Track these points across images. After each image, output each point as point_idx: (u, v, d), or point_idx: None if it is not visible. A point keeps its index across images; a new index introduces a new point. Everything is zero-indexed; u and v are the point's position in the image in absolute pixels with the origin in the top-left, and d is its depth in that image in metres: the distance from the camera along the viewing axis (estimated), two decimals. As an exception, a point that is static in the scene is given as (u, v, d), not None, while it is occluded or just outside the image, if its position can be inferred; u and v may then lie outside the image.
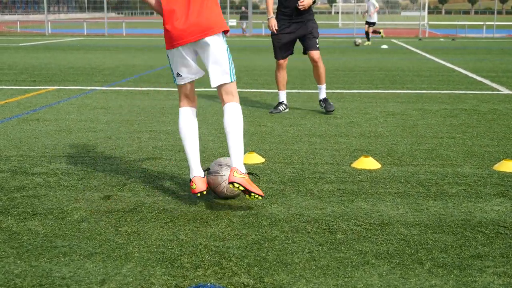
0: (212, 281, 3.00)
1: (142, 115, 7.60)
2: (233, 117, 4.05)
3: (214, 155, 5.56)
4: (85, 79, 11.67)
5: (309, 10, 7.61)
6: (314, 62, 7.73)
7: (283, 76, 7.93)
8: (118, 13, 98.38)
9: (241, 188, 3.91)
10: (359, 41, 25.33)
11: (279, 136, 6.46)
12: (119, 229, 3.68)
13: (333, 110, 7.85)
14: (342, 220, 3.90)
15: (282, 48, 7.75)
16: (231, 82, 4.11)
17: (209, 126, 6.96)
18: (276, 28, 7.59)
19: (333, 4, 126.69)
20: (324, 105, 7.89)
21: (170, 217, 3.90)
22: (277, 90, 8.16)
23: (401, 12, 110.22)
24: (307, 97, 9.50)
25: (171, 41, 4.02)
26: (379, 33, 28.15)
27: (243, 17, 36.65)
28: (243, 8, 36.98)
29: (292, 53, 7.85)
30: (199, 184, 4.02)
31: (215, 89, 8.50)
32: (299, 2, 7.39)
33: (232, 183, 3.91)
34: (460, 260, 3.28)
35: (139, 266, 3.15)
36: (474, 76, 12.60)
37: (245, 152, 5.56)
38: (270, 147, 5.95)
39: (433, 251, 3.40)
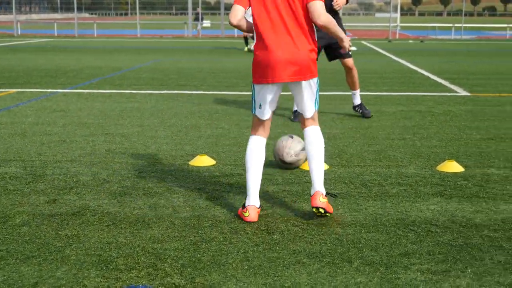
0: (144, 282, 3.08)
1: (100, 118, 7.65)
2: (316, 140, 4.12)
3: (166, 157, 5.64)
4: (48, 82, 11.66)
5: (336, 15, 7.31)
6: (348, 69, 7.69)
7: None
8: (92, 14, 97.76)
9: (322, 212, 3.96)
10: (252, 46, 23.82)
11: (234, 139, 6.55)
12: (59, 232, 3.74)
13: (371, 116, 7.86)
14: (281, 221, 4.00)
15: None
16: (315, 110, 4.16)
17: (166, 129, 7.03)
18: None
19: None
20: (360, 110, 7.93)
21: (112, 220, 3.98)
22: (239, 92, 8.24)
23: (375, 14, 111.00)
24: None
25: (266, 75, 3.94)
26: None
27: (197, 18, 36.54)
28: (198, 9, 36.76)
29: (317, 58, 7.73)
30: (252, 214, 3.97)
31: (174, 92, 8.53)
32: (333, 2, 7.16)
33: (317, 208, 3.95)
34: (388, 258, 3.40)
35: (74, 269, 3.22)
36: (436, 78, 12.81)
37: (196, 155, 5.65)
38: (223, 149, 6.04)
39: (364, 250, 3.52)
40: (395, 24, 38.94)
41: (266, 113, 4.08)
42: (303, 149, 4.50)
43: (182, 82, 11.76)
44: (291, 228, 3.86)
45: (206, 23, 43.67)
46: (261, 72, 3.94)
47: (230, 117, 7.89)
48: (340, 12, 7.57)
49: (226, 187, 4.76)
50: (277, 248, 3.55)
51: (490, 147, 6.20)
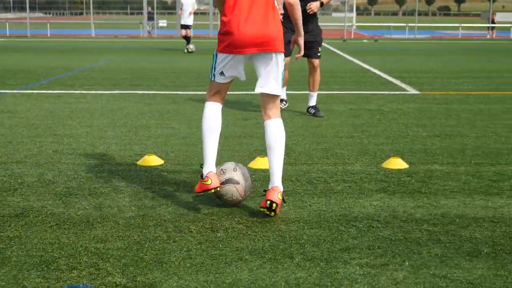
0: (85, 281, 3.08)
1: (49, 119, 7.57)
2: (278, 133, 4.07)
3: (114, 158, 5.62)
4: (-2, 83, 11.48)
5: (314, 16, 7.69)
6: (313, 68, 7.95)
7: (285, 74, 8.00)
8: (46, 13, 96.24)
9: (274, 208, 3.94)
10: (191, 47, 21.02)
11: (184, 138, 6.56)
12: (1, 234, 3.71)
13: (323, 117, 7.92)
14: (226, 219, 4.04)
15: (286, 49, 7.80)
16: (278, 95, 4.12)
17: (116, 129, 7.00)
18: None
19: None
20: (313, 111, 8.03)
21: (56, 221, 3.95)
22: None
23: (332, 13, 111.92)
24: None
25: (231, 47, 3.97)
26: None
27: (150, 18, 36.29)
28: (149, 9, 36.46)
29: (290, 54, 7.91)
30: (214, 180, 3.99)
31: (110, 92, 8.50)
32: (307, 6, 7.40)
33: (271, 202, 3.92)
34: (329, 253, 3.46)
35: (14, 270, 3.20)
36: (387, 77, 13.01)
37: (145, 155, 5.64)
38: (172, 149, 6.05)
39: (306, 246, 3.58)
40: (350, 24, 39.36)
41: (228, 78, 4.11)
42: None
43: (135, 82, 11.70)
44: (236, 226, 3.90)
45: (162, 22, 43.45)
46: (227, 43, 3.97)
47: (181, 116, 7.90)
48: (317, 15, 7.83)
49: (173, 186, 4.78)
50: (220, 245, 3.58)
51: (435, 144, 6.34)
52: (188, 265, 3.30)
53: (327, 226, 3.91)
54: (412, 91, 10.62)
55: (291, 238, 3.71)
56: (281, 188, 4.03)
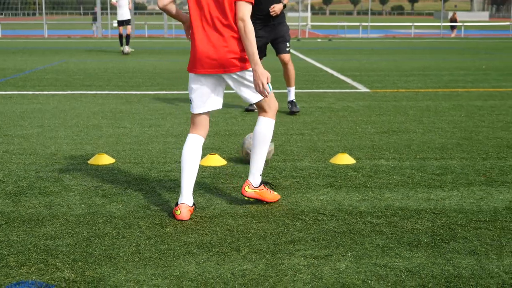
0: (34, 277, 3.12)
1: (0, 120, 7.51)
2: (261, 131, 4.17)
3: (65, 157, 5.63)
4: None
5: (281, 13, 7.85)
6: (284, 64, 8.10)
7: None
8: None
9: (252, 200, 4.21)
10: (127, 49, 19.25)
11: (136, 137, 6.59)
12: (-51, 232, 3.71)
13: (298, 112, 8.11)
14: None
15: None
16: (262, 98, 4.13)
17: (67, 129, 6.99)
18: None
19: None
20: (290, 106, 8.18)
21: (5, 220, 3.97)
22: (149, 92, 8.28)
23: (288, 13, 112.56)
24: (172, 97, 9.66)
25: (194, 65, 4.03)
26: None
27: (95, 18, 36.01)
28: (95, 9, 36.16)
29: (265, 55, 8.02)
30: (184, 212, 3.98)
31: (82, 93, 8.46)
32: (270, 8, 7.61)
33: (243, 196, 4.21)
34: (275, 246, 3.56)
35: (-38, 267, 3.21)
36: (339, 75, 13.22)
37: (94, 154, 5.67)
38: (123, 148, 6.08)
39: (253, 239, 3.67)
40: (304, 24, 39.68)
41: (197, 107, 4.10)
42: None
43: (87, 82, 11.65)
44: (185, 222, 3.97)
45: (116, 23, 43.15)
46: (191, 62, 4.03)
47: (133, 116, 7.92)
48: (285, 17, 8.01)
49: (123, 184, 4.82)
50: (169, 240, 3.65)
51: (382, 140, 6.50)
52: (137, 259, 3.36)
53: (274, 220, 4.01)
54: (362, 89, 10.82)
55: (238, 232, 3.80)
56: (253, 183, 4.21)
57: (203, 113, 4.13)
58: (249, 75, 4.03)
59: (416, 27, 48.74)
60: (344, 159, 5.53)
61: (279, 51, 8.02)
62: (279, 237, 3.72)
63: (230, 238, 3.69)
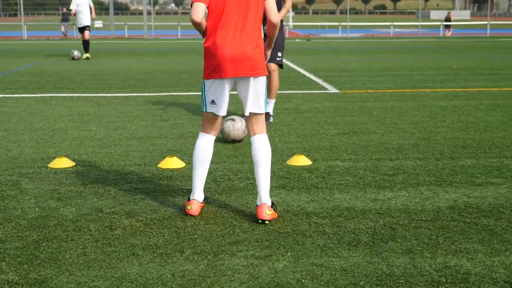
0: (-23, 280, 3.20)
1: (-35, 124, 7.56)
2: (264, 149, 4.16)
3: (26, 161, 5.70)
4: None
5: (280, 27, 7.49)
6: (269, 72, 7.53)
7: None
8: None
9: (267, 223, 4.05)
10: (76, 53, 18.10)
11: (99, 140, 6.67)
12: None
13: (269, 124, 7.64)
14: (126, 217, 4.20)
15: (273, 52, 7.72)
16: (264, 112, 4.20)
17: (32, 133, 7.05)
18: None
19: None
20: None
21: (-43, 223, 4.04)
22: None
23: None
24: (142, 99, 9.74)
25: (216, 70, 4.02)
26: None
27: (64, 19, 35.88)
28: (64, 9, 35.96)
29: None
30: (194, 208, 4.15)
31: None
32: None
33: (263, 220, 4.04)
34: (218, 247, 3.67)
35: None
36: (311, 76, 13.35)
37: (55, 157, 5.74)
38: (85, 151, 6.16)
39: (198, 240, 3.77)
40: (285, 24, 39.77)
41: (221, 109, 4.12)
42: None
43: (59, 85, 11.69)
44: (134, 224, 4.07)
45: (98, 23, 43.05)
46: (212, 68, 4.02)
47: (100, 119, 7.99)
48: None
49: (79, 187, 4.90)
50: (116, 242, 3.74)
51: (342, 141, 6.63)
52: (81, 261, 3.45)
53: (222, 222, 4.11)
54: (332, 90, 10.96)
55: (185, 233, 3.90)
56: (268, 203, 4.08)
57: (220, 116, 4.20)
58: (263, 82, 4.12)
59: (397, 26, 49.04)
60: (300, 160, 5.64)
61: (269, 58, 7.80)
62: (224, 238, 3.82)
63: (176, 240, 3.79)
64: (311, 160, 5.72)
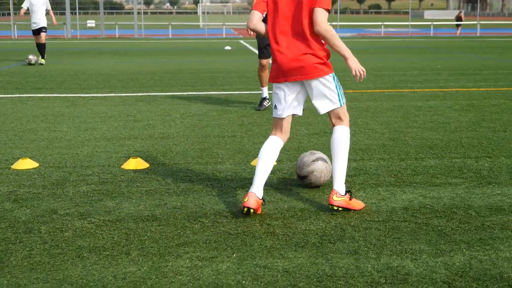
0: None
1: None
2: (339, 140, 4.36)
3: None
4: None
5: None
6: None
7: (266, 74, 8.61)
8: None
9: (341, 209, 4.25)
10: (32, 58, 16.29)
11: (68, 141, 6.67)
12: None
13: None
14: (79, 218, 4.20)
15: (264, 49, 8.42)
16: (336, 108, 4.35)
17: (2, 134, 7.04)
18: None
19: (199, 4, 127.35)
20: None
21: None
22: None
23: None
24: (120, 100, 9.74)
25: (277, 75, 4.29)
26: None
27: None
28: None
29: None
30: (251, 200, 4.16)
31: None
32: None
33: (332, 205, 4.24)
34: (165, 248, 3.67)
35: None
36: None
37: (18, 159, 5.74)
38: (52, 152, 6.15)
39: (146, 242, 3.78)
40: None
41: (281, 113, 4.32)
42: (316, 159, 4.87)
43: (39, 85, 11.68)
44: (86, 226, 4.07)
45: (91, 23, 43.07)
46: (274, 72, 4.29)
47: (73, 119, 7.99)
48: None
49: (38, 189, 4.90)
50: (63, 245, 3.74)
51: (310, 141, 6.64)
52: (26, 264, 3.45)
53: (174, 223, 4.12)
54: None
55: (135, 235, 3.90)
56: (339, 190, 4.27)
57: (284, 118, 4.34)
58: (328, 80, 4.24)
59: (389, 26, 49.08)
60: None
61: (267, 54, 8.48)
62: (173, 239, 3.83)
63: (124, 242, 3.79)
64: (276, 161, 5.72)
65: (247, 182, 5.07)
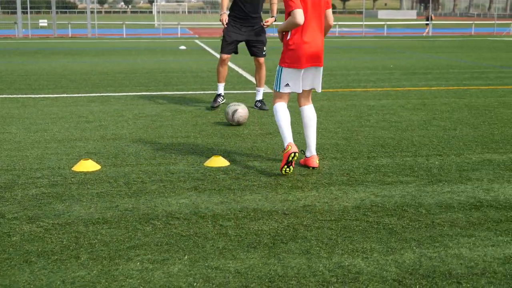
0: None
1: None
2: (312, 115, 5.53)
3: None
4: None
5: (260, 18, 8.60)
6: (259, 66, 8.74)
7: (225, 70, 8.73)
8: None
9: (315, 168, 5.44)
10: None
11: (17, 143, 6.53)
12: None
13: (267, 110, 8.77)
14: (28, 222, 4.11)
15: (230, 44, 8.44)
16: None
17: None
18: (227, 22, 8.32)
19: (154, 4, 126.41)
20: (260, 105, 8.85)
21: None
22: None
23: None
24: (71, 100, 9.59)
25: (297, 62, 5.28)
26: None
27: None
28: None
29: (236, 52, 8.67)
30: (293, 147, 5.15)
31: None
32: (264, 22, 8.37)
33: (313, 168, 5.45)
34: (116, 252, 3.62)
35: None
36: (248, 76, 13.38)
37: (-35, 161, 5.59)
38: (0, 154, 6.01)
39: (96, 245, 3.72)
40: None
41: (292, 90, 5.37)
42: (232, 105, 7.46)
43: (-12, 86, 11.42)
44: (35, 230, 3.98)
45: (43, 22, 42.36)
46: (293, 59, 5.25)
47: (23, 121, 7.84)
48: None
49: (-14, 192, 4.78)
50: (11, 249, 3.66)
51: (264, 141, 6.65)
52: (-29, 270, 3.36)
53: (125, 226, 4.07)
54: (265, 89, 10.97)
55: (85, 238, 3.84)
56: (316, 154, 5.53)
57: (289, 93, 5.46)
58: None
59: (344, 25, 49.52)
60: (218, 161, 5.63)
61: (257, 53, 8.61)
62: (124, 242, 3.78)
63: (74, 245, 3.72)
64: (229, 161, 5.71)
65: (199, 183, 5.04)
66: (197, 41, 30.57)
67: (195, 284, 3.21)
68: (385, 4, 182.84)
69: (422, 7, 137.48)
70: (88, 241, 3.80)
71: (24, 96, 10.14)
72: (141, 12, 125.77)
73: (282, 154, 5.46)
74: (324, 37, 5.39)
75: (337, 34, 38.70)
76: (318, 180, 5.14)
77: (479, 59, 18.43)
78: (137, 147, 6.38)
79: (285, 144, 5.23)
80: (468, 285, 3.18)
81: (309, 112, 5.52)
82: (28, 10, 35.75)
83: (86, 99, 9.76)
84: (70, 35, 35.57)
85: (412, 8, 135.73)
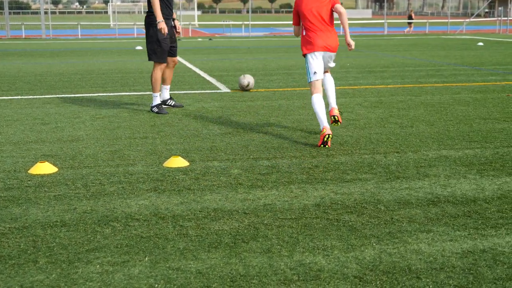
0: None
1: None
2: (331, 79, 6.87)
3: None
4: None
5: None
6: (174, 65, 8.72)
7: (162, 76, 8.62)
8: None
9: (336, 119, 6.70)
10: None
11: (-29, 146, 6.39)
12: None
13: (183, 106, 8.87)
14: (-17, 227, 4.02)
15: (166, 52, 8.34)
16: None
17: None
18: (166, 31, 8.10)
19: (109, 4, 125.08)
20: (173, 103, 8.87)
21: None
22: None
23: (178, 12, 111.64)
24: (26, 102, 9.43)
25: (312, 47, 6.56)
26: None
27: None
28: None
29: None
30: (328, 129, 6.23)
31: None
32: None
33: (335, 116, 6.66)
34: (75, 255, 3.57)
35: None
36: (205, 75, 13.33)
37: None
38: (-47, 158, 5.88)
39: (55, 249, 3.66)
40: (187, 23, 39.61)
41: (319, 76, 6.53)
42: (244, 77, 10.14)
43: None
44: (-9, 234, 3.90)
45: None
46: (310, 46, 6.50)
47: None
48: None
49: None
50: (-34, 255, 3.58)
51: (223, 141, 6.63)
52: None
53: (84, 228, 4.01)
54: (224, 89, 10.98)
55: (43, 242, 3.78)
56: (337, 107, 6.83)
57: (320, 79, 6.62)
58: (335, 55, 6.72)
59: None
60: (177, 162, 5.60)
61: (175, 53, 8.58)
62: (83, 245, 3.73)
63: (31, 249, 3.66)
64: (188, 162, 5.69)
65: (159, 184, 5.01)
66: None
67: (156, 285, 3.19)
68: (341, 3, 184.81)
69: (377, 6, 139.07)
70: (46, 244, 3.74)
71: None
72: (96, 12, 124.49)
73: (320, 134, 6.50)
74: (347, 26, 6.56)
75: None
76: (278, 179, 5.15)
77: (433, 57, 18.73)
78: (95, 148, 6.31)
79: (321, 127, 6.29)
80: (428, 280, 3.23)
81: (328, 78, 6.83)
82: (6, 10, 34.99)
83: (41, 101, 9.61)
84: (24, 36, 34.97)
85: (367, 7, 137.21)
